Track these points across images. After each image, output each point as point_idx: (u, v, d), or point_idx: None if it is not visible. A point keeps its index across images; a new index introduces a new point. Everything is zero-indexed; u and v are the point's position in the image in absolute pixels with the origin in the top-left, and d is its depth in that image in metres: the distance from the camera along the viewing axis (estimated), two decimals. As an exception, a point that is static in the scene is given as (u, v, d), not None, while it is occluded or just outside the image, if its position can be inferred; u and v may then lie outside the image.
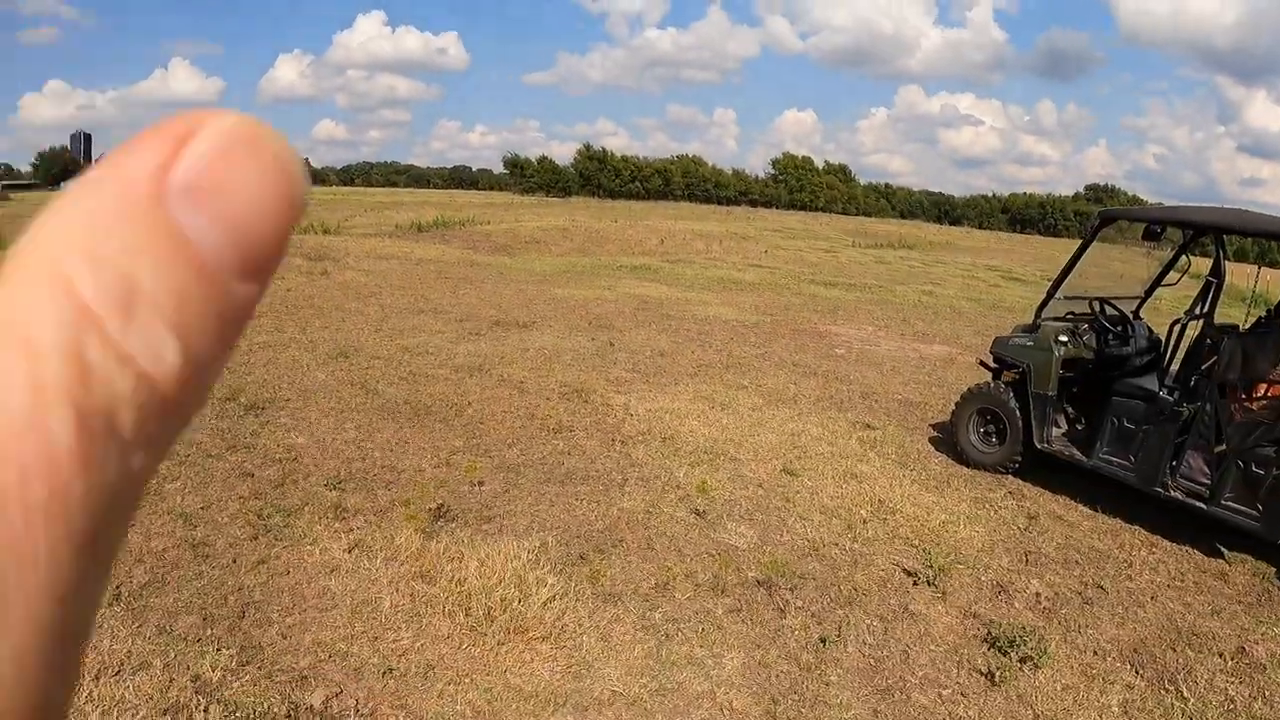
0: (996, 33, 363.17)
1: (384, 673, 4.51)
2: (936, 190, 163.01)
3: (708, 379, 11.15)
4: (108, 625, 4.90)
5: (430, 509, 6.46)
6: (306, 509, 6.46)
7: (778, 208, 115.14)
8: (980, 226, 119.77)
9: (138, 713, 4.10)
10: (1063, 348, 8.31)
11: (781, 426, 9.36)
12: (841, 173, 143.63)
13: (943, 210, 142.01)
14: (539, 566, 5.68)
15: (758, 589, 5.90)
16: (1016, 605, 6.13)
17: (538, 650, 4.82)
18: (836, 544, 6.68)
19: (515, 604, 5.18)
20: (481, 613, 5.09)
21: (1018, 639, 5.49)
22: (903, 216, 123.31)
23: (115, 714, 4.09)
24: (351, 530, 6.12)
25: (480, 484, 7.12)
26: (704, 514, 6.93)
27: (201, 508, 6.44)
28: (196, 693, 4.25)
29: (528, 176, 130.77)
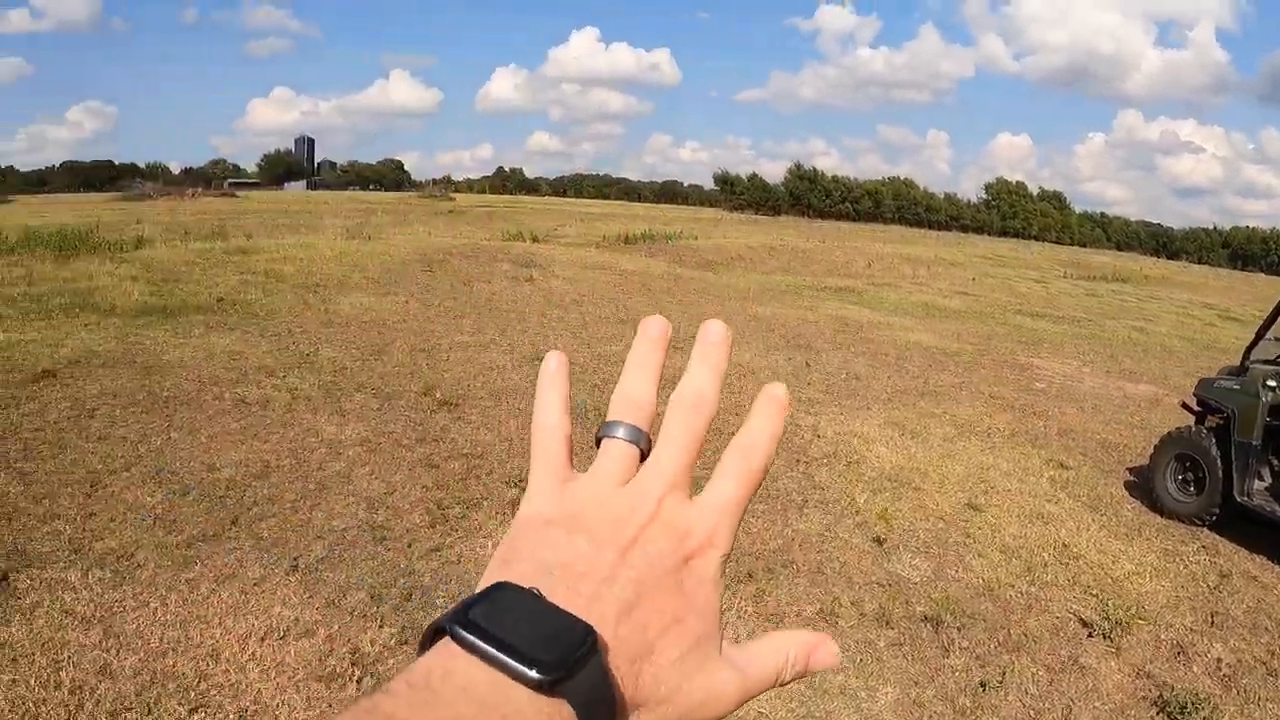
0: (1218, 54, 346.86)
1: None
2: (1154, 221, 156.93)
3: (901, 405, 11.11)
4: (280, 591, 5.34)
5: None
6: (485, 503, 6.83)
7: (989, 234, 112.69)
8: (1199, 261, 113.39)
9: (295, 675, 4.47)
10: (1271, 393, 7.78)
11: (971, 459, 9.27)
12: (1056, 200, 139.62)
13: (1160, 243, 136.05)
14: (701, 582, 5.84)
15: (924, 625, 5.90)
16: (1195, 669, 5.86)
17: (686, 663, 4.97)
18: (1012, 585, 6.60)
19: (670, 615, 5.35)
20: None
21: (1190, 706, 5.26)
22: (1118, 248, 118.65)
23: (274, 675, 4.47)
24: (523, 528, 6.41)
25: (649, 493, 7.34)
26: (881, 542, 6.97)
27: (386, 493, 6.89)
28: (353, 664, 4.61)
29: (738, 194, 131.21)
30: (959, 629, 5.86)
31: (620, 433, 0.62)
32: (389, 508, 6.64)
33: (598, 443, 0.62)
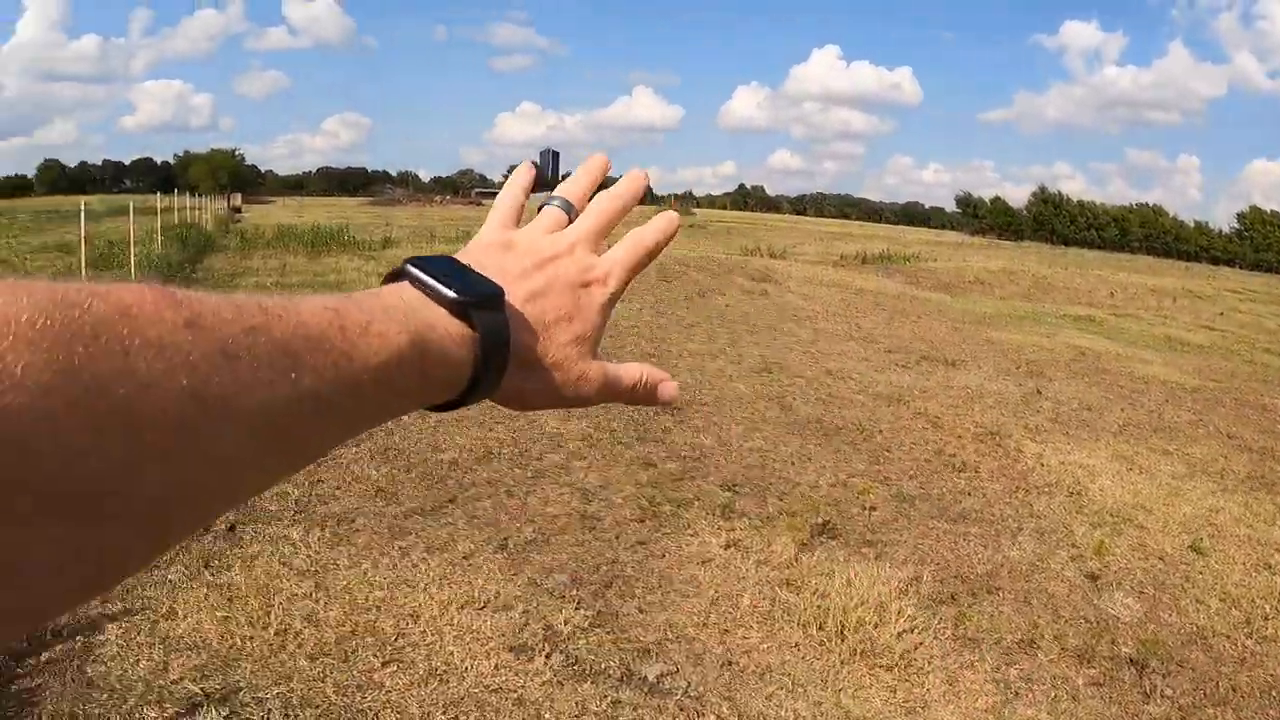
0: None
1: (723, 665, 4.62)
2: None
3: (1131, 439, 10.45)
4: (486, 567, 5.38)
5: (815, 524, 6.51)
6: (697, 503, 6.74)
7: (1240, 266, 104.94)
8: None
9: (488, 643, 4.49)
10: None
11: (1200, 500, 8.63)
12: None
13: None
14: (905, 597, 5.59)
15: (1128, 667, 5.50)
16: None
17: (879, 677, 4.76)
18: (1228, 636, 6.09)
19: (870, 627, 5.13)
20: (834, 629, 5.08)
21: None
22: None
23: (468, 640, 4.49)
24: (733, 529, 6.30)
25: (871, 509, 7.08)
26: (1094, 578, 6.53)
27: (600, 486, 6.89)
28: (545, 639, 4.59)
29: (979, 217, 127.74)
30: (1164, 675, 5.43)
31: (556, 203, 0.82)
32: (602, 500, 6.62)
33: (539, 209, 0.83)
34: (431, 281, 0.62)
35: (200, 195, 69.94)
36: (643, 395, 0.78)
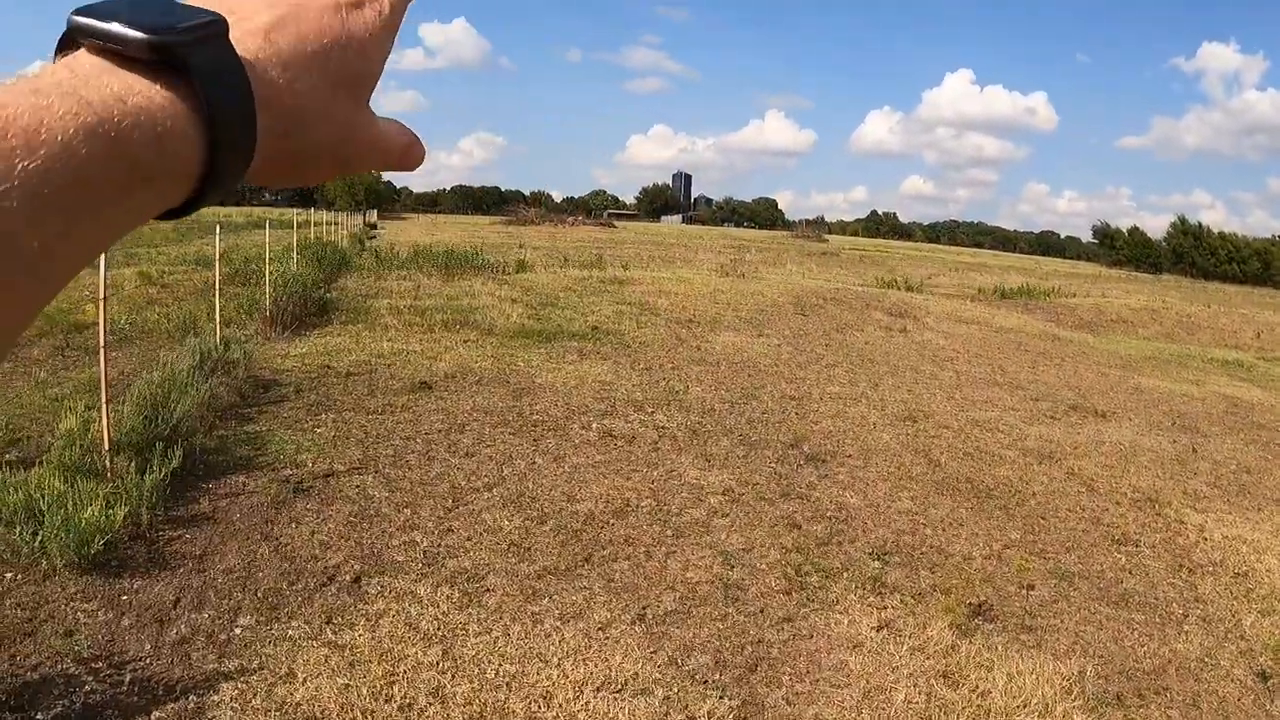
0: None
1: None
2: None
3: (1294, 508, 9.62)
4: (624, 641, 5.02)
5: (971, 604, 5.99)
6: (845, 574, 6.28)
7: None
8: None
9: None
10: None
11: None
12: None
13: None
14: (1070, 697, 5.06)
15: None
16: None
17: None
18: None
19: (1039, 733, 4.69)
20: (1003, 734, 4.65)
21: None
22: None
23: (604, 731, 4.16)
24: (885, 608, 5.83)
25: (1030, 588, 6.52)
26: (1266, 678, 5.93)
27: (743, 549, 6.48)
28: (688, 736, 4.23)
29: (1117, 248, 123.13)
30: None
31: None
32: (745, 565, 6.21)
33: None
34: (108, 27, 0.45)
35: (337, 210, 71.54)
36: (402, 163, 0.64)
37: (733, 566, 6.14)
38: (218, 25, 0.48)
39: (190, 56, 0.46)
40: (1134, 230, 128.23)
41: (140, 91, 0.45)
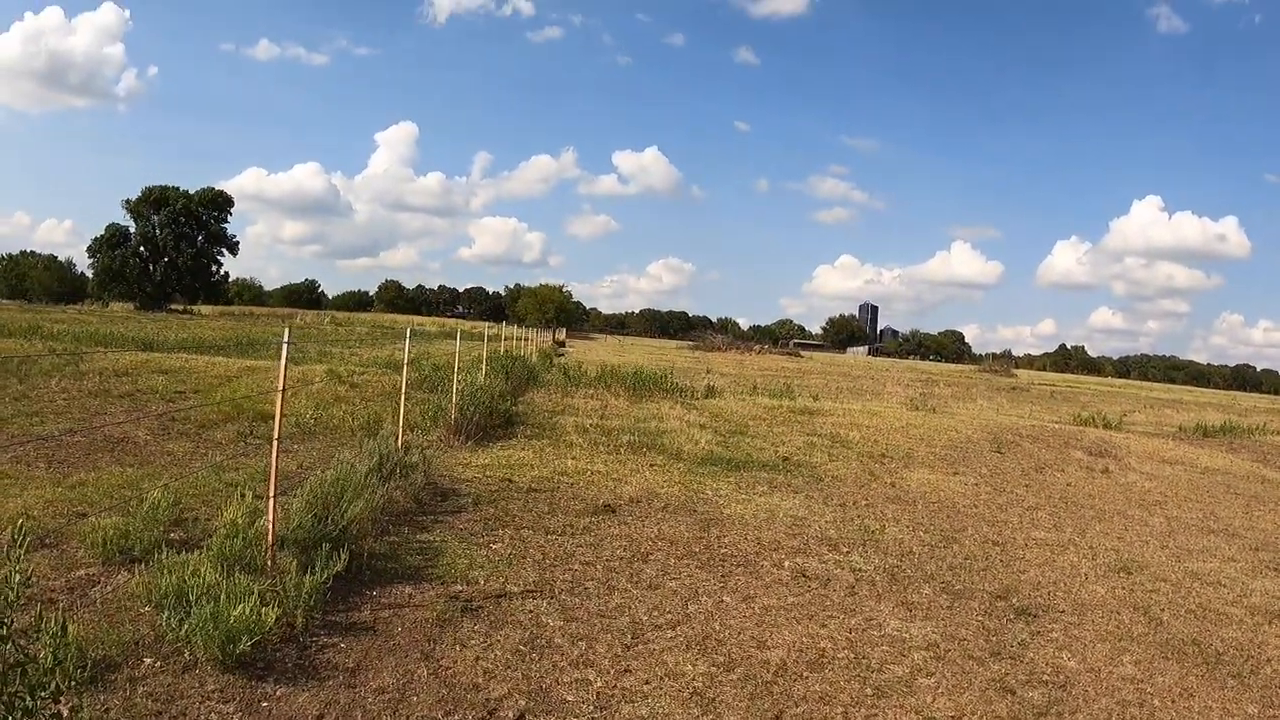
0: None
1: None
2: None
3: None
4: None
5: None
6: (1073, 754, 5.49)
7: None
8: None
9: None
10: None
11: None
12: None
13: None
14: None
15: None
16: None
17: None
18: None
19: None
20: None
21: None
22: None
23: None
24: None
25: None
26: None
27: (952, 716, 5.74)
28: None
29: None
30: None
31: None
32: None
33: None
34: None
35: (527, 326, 72.98)
36: None
37: None
38: None
39: None
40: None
41: None
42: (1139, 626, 8.07)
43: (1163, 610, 8.66)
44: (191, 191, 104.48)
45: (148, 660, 5.36)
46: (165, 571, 5.91)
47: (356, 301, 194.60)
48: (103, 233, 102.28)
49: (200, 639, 5.31)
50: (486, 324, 48.72)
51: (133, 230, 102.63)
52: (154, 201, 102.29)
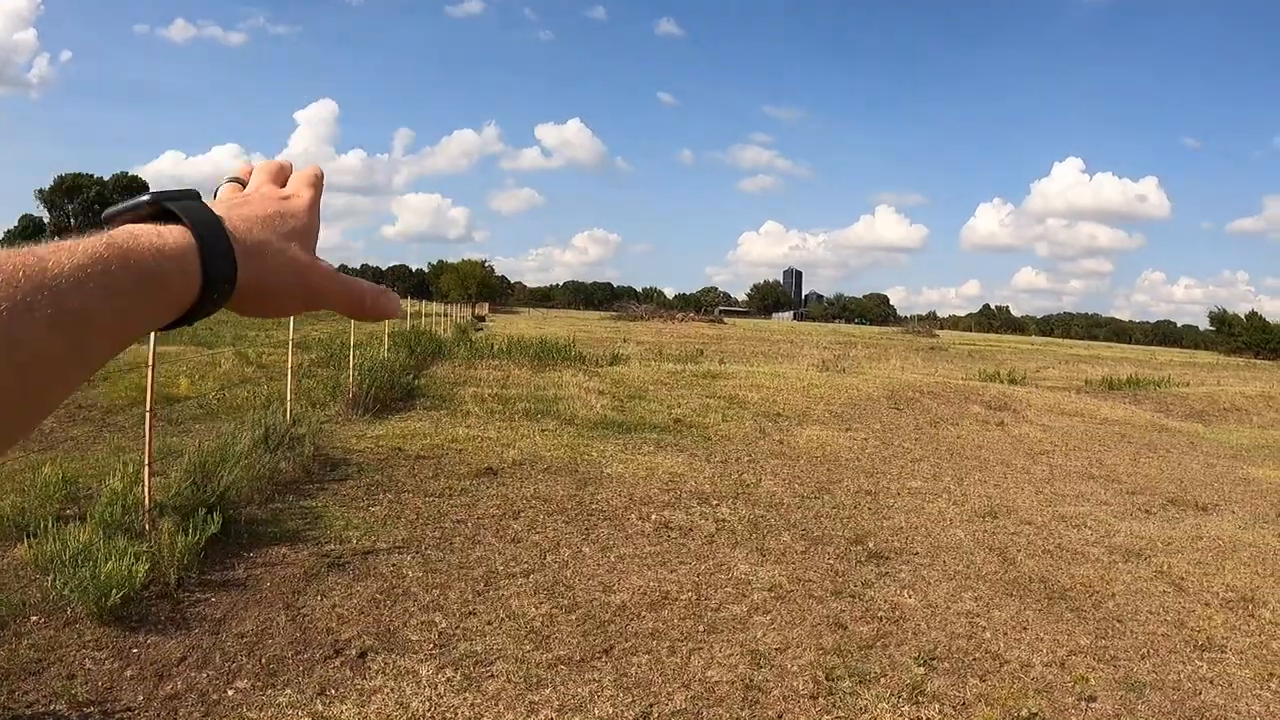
0: None
1: None
2: None
3: None
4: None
5: (1019, 716, 5.56)
6: (882, 680, 5.83)
7: None
8: None
9: None
10: None
11: None
12: None
13: None
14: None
15: None
16: None
17: None
18: None
19: None
20: None
21: None
22: None
23: None
24: (919, 718, 5.44)
25: (1090, 699, 6.02)
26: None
27: (777, 649, 6.10)
28: None
29: (1235, 335, 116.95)
30: None
31: (229, 179, 0.89)
32: (774, 666, 5.80)
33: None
34: (124, 203, 0.74)
35: (450, 302, 72.50)
36: (374, 309, 0.86)
37: (760, 666, 5.75)
38: (194, 193, 0.75)
39: (179, 209, 0.71)
40: (1252, 315, 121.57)
41: (147, 229, 0.68)
42: (990, 566, 8.47)
43: (1019, 551, 9.07)
44: (106, 178, 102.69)
45: (34, 618, 5.75)
46: (51, 539, 6.30)
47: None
48: (15, 224, 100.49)
49: (78, 595, 5.75)
50: (411, 301, 48.55)
51: (47, 221, 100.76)
52: (67, 190, 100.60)
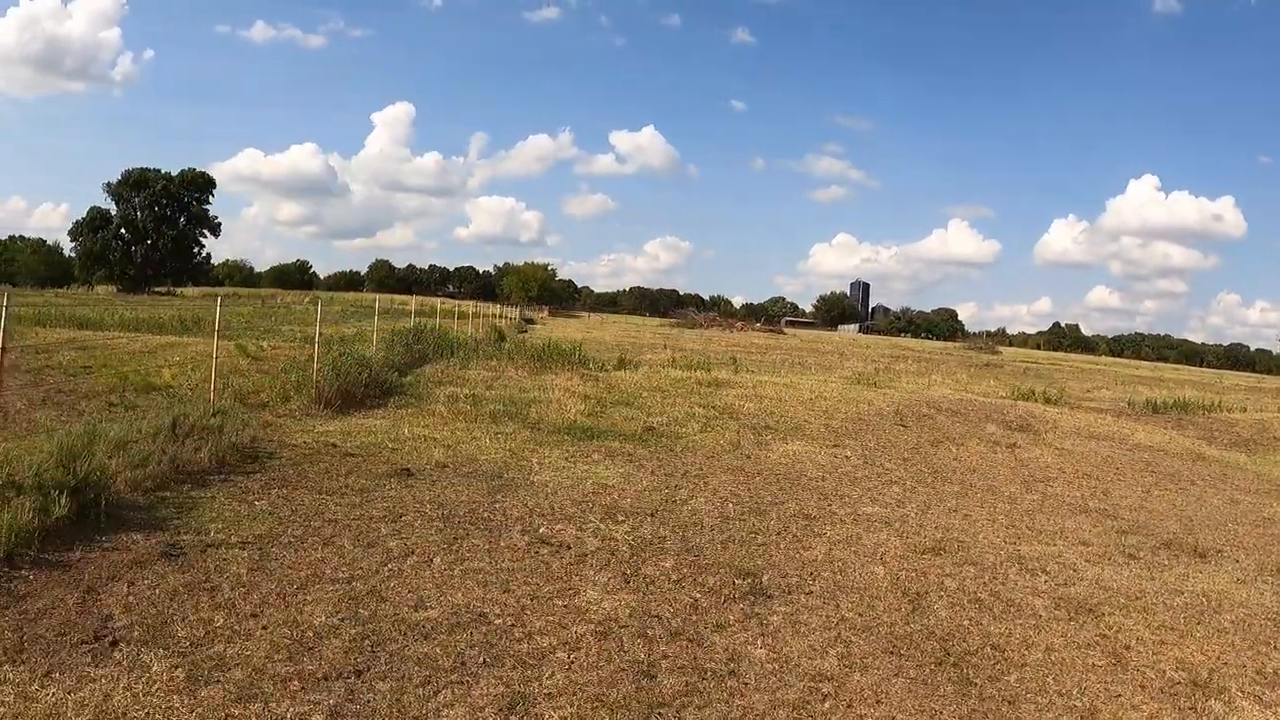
0: None
1: None
2: None
3: None
4: None
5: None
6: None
7: None
8: None
9: None
10: None
11: None
12: None
13: None
14: None
15: None
16: None
17: None
18: None
19: None
20: None
21: None
22: None
23: None
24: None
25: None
26: None
27: (545, 696, 5.46)
28: None
29: None
30: None
31: None
32: (529, 717, 5.12)
33: None
34: None
35: (512, 304, 72.85)
36: None
37: (510, 716, 5.12)
38: None
39: None
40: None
41: None
42: (890, 615, 7.35)
43: (940, 598, 7.90)
44: (173, 173, 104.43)
45: None
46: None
47: (347, 282, 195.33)
48: (84, 216, 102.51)
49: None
50: (471, 303, 48.93)
51: (114, 213, 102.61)
52: (134, 184, 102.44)
